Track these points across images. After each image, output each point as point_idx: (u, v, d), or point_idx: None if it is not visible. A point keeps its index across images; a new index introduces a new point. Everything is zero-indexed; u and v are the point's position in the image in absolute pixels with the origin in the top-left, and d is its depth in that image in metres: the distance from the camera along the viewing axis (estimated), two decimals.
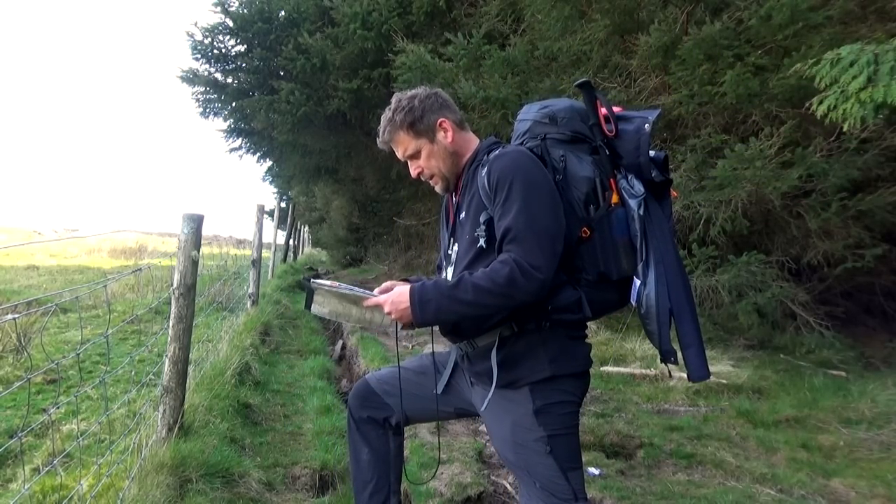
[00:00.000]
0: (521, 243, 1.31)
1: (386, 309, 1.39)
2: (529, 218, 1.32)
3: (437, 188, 1.56)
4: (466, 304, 1.32)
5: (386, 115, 1.54)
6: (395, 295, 1.39)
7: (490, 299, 1.30)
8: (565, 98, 1.61)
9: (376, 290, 1.46)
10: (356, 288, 1.49)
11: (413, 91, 1.54)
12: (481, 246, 1.40)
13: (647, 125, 1.43)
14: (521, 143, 1.52)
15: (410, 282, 1.48)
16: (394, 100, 1.54)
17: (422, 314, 1.35)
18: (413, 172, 1.56)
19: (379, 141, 1.57)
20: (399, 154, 1.55)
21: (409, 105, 1.50)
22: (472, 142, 1.56)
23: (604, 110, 1.46)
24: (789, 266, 4.83)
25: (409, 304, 1.36)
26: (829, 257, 4.62)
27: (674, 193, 1.53)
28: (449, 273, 1.53)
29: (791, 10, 3.89)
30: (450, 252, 1.53)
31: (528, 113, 1.56)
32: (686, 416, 3.50)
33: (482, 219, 1.41)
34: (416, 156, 1.53)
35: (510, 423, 1.42)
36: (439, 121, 1.51)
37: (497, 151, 1.45)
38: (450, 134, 1.52)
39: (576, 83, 1.49)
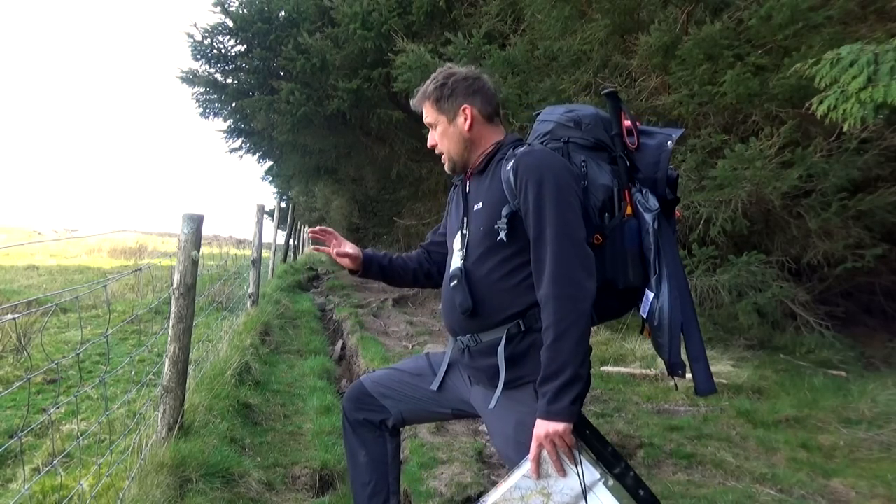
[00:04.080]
0: (559, 258, 1.31)
1: (546, 459, 1.28)
2: (563, 224, 1.33)
3: (445, 166, 1.59)
4: (572, 352, 1.26)
5: (424, 83, 1.60)
6: (543, 435, 1.26)
7: (576, 331, 1.27)
8: (590, 105, 1.63)
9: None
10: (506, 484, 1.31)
11: (457, 69, 1.57)
12: (501, 239, 1.40)
13: (669, 142, 1.46)
14: (542, 144, 1.52)
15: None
16: (438, 70, 1.59)
17: (569, 401, 1.26)
18: (429, 142, 1.60)
19: (411, 102, 1.64)
20: (425, 120, 1.60)
21: (442, 81, 1.54)
22: (495, 135, 1.55)
23: (627, 122, 1.48)
24: (789, 266, 4.83)
25: (555, 418, 1.26)
26: (829, 257, 4.62)
27: (678, 213, 1.55)
28: (457, 258, 1.51)
29: (791, 10, 3.89)
30: (464, 232, 1.51)
31: (552, 115, 1.57)
32: (686, 416, 3.50)
33: (504, 212, 1.40)
34: (433, 128, 1.57)
35: (514, 422, 1.41)
36: (462, 107, 1.52)
37: (525, 148, 1.45)
38: (468, 122, 1.52)
39: (603, 92, 1.51)
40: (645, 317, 1.44)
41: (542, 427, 1.27)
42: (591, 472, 1.28)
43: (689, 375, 1.45)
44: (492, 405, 1.42)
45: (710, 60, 4.32)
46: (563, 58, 5.26)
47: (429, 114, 1.56)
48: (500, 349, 1.40)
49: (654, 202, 1.43)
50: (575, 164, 1.46)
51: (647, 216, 1.42)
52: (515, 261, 1.41)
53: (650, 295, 1.41)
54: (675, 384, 1.64)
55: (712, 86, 4.32)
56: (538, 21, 5.39)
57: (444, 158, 1.57)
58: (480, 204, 1.48)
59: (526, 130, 4.42)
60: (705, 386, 1.41)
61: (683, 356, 1.43)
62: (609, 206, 1.44)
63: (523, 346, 1.40)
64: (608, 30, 4.94)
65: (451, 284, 1.48)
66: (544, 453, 1.28)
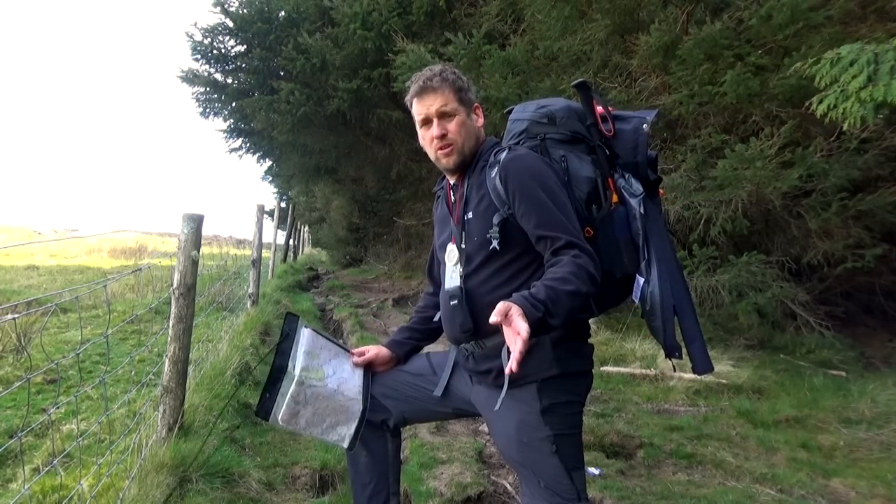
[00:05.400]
0: (581, 247, 1.30)
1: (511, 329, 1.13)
2: (570, 220, 1.34)
3: (449, 161, 1.48)
4: (563, 316, 1.22)
5: (432, 69, 1.49)
6: (514, 311, 1.14)
7: (576, 300, 1.24)
8: (561, 98, 1.61)
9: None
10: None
11: None
12: (494, 248, 1.39)
13: (645, 125, 1.46)
14: (518, 143, 1.52)
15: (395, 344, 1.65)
16: (436, 65, 1.52)
17: (535, 323, 1.15)
18: (437, 131, 1.46)
19: (416, 87, 1.48)
20: (433, 107, 1.46)
21: (460, 75, 1.51)
22: (483, 139, 1.56)
23: (600, 109, 1.48)
24: (789, 266, 4.83)
25: (529, 311, 1.16)
26: (829, 257, 4.62)
27: (661, 192, 1.56)
28: (456, 272, 1.48)
29: (791, 9, 3.89)
30: (462, 246, 1.48)
31: (524, 112, 1.56)
32: (686, 416, 3.50)
33: (495, 220, 1.39)
34: (448, 116, 1.46)
35: (516, 421, 1.41)
36: (475, 105, 1.54)
37: (508, 154, 1.42)
38: (480, 121, 1.54)
39: (573, 83, 1.50)
40: (637, 302, 1.45)
41: (519, 309, 1.13)
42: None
43: (685, 368, 1.46)
44: (497, 406, 1.41)
45: (710, 60, 4.32)
46: (563, 58, 5.26)
47: (447, 100, 1.46)
48: (504, 351, 1.39)
49: (637, 187, 1.44)
50: (555, 160, 1.45)
51: (633, 202, 1.43)
52: (513, 267, 1.40)
53: (640, 280, 1.42)
54: (674, 366, 1.65)
55: (712, 86, 4.32)
56: (538, 21, 5.39)
57: (450, 151, 1.47)
58: (471, 214, 1.46)
59: None
60: (703, 365, 1.43)
61: (679, 340, 1.45)
62: (595, 196, 1.44)
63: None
64: (608, 30, 4.94)
65: (451, 304, 1.46)
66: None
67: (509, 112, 1.67)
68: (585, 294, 1.26)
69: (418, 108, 1.49)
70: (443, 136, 1.47)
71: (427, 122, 1.49)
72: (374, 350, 1.68)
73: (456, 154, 1.48)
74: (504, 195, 1.38)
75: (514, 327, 1.11)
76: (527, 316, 1.13)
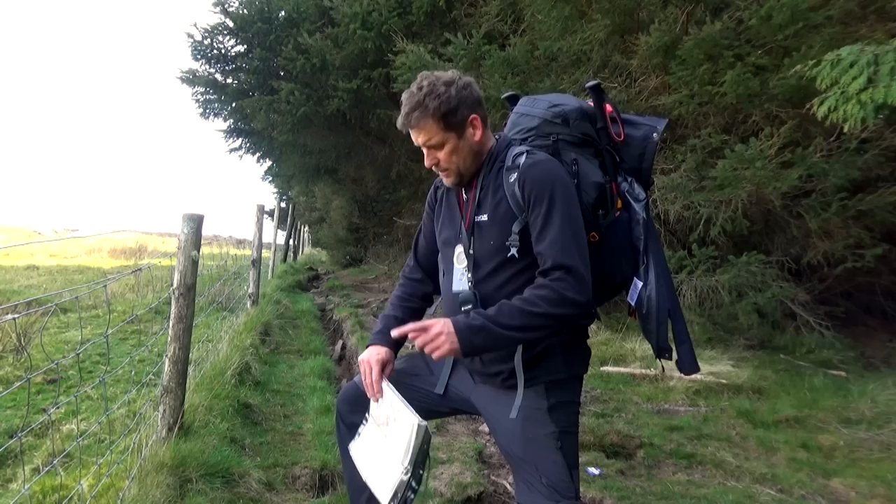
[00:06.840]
0: (569, 269, 1.30)
1: (426, 339, 1.31)
2: (572, 236, 1.33)
3: (449, 181, 1.47)
4: (517, 329, 1.29)
5: (414, 96, 1.36)
6: (438, 328, 1.31)
7: (542, 320, 1.29)
8: (571, 96, 1.59)
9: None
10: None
11: (448, 76, 1.39)
12: (513, 255, 1.38)
13: (655, 134, 1.46)
14: (526, 140, 1.50)
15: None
16: (425, 81, 1.38)
17: (470, 337, 1.29)
18: (428, 163, 1.43)
19: (400, 120, 1.40)
20: (418, 140, 1.41)
21: (445, 93, 1.35)
22: (491, 140, 1.49)
23: (610, 108, 1.48)
24: (789, 266, 4.82)
25: (453, 331, 1.29)
26: (829, 257, 4.62)
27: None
28: (465, 277, 1.46)
29: (791, 10, 3.89)
30: (471, 251, 1.45)
31: (535, 108, 1.52)
32: (686, 416, 3.50)
33: (515, 228, 1.37)
34: (437, 147, 1.40)
35: (521, 417, 1.41)
36: (471, 117, 1.40)
37: (527, 159, 1.39)
38: (479, 133, 1.42)
39: (587, 85, 1.49)
40: (633, 304, 1.47)
41: (447, 327, 1.30)
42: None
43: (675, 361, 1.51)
44: (513, 414, 1.41)
45: (710, 60, 4.31)
46: (563, 58, 5.25)
47: (431, 133, 1.38)
48: (518, 357, 1.39)
49: (641, 192, 1.46)
50: (566, 163, 1.45)
51: (637, 206, 1.44)
52: (528, 273, 1.39)
53: (639, 284, 1.44)
54: (662, 367, 1.67)
55: (712, 86, 4.32)
56: (538, 21, 5.39)
57: (447, 174, 1.45)
58: (485, 217, 1.43)
59: None
60: (690, 367, 1.47)
61: (669, 341, 1.49)
62: (602, 202, 1.44)
63: (538, 350, 1.40)
64: (608, 30, 4.94)
65: (463, 309, 1.43)
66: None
67: (509, 98, 1.64)
68: (557, 316, 1.29)
69: (411, 135, 1.44)
70: (435, 165, 1.44)
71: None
72: (389, 367, 1.57)
73: (453, 176, 1.46)
74: (522, 202, 1.36)
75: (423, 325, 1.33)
76: (455, 328, 1.29)
